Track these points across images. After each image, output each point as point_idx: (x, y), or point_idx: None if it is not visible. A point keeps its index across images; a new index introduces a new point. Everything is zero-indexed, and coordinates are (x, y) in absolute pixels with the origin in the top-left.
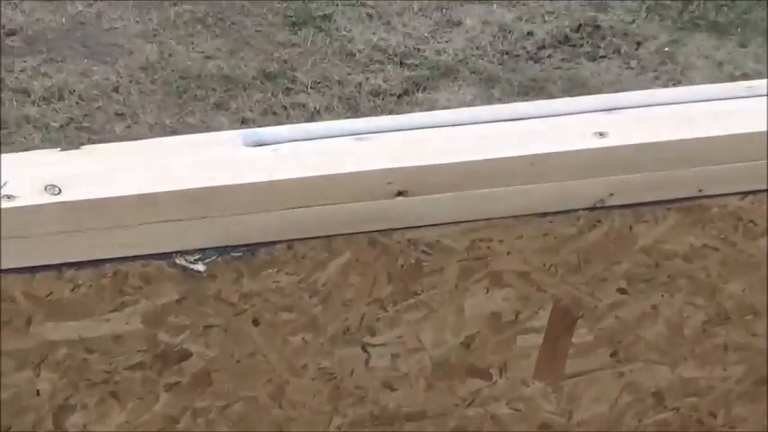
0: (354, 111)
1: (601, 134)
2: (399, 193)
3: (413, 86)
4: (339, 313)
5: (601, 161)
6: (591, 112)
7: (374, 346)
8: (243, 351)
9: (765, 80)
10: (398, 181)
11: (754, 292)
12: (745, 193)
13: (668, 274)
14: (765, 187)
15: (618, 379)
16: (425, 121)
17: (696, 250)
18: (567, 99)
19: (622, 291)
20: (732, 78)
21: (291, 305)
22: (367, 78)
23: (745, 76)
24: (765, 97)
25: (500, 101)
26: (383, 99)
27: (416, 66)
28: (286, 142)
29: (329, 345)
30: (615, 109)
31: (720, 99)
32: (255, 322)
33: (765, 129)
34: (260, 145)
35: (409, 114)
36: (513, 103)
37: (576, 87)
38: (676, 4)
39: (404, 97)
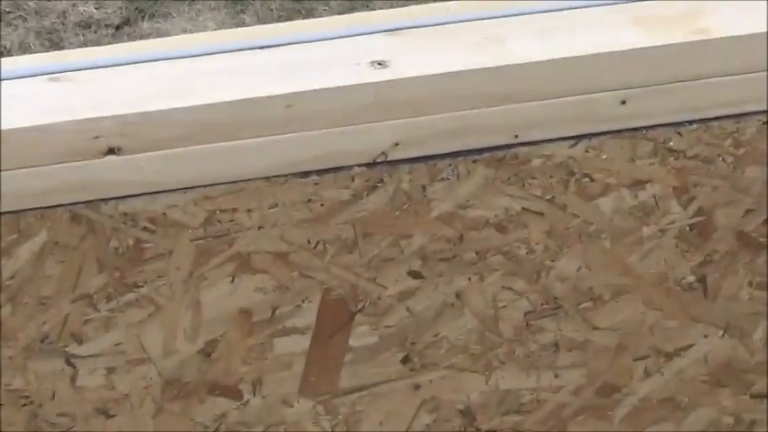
0: (58, 48)
1: (380, 63)
2: (110, 151)
3: (135, 14)
4: (33, 315)
5: (380, 100)
6: (367, 33)
7: (82, 357)
8: None
9: None
10: (108, 134)
11: (592, 272)
12: (576, 138)
13: (476, 249)
14: (604, 129)
15: (413, 393)
16: (143, 53)
17: (513, 217)
18: (335, 17)
19: (415, 274)
20: None
21: None
22: (74, 5)
23: None
24: (608, 7)
25: None
26: (96, 32)
27: None
28: None
29: (21, 358)
30: (400, 29)
31: (548, 11)
32: None
33: (604, 51)
34: None
35: (119, 45)
36: (261, 26)
37: (359, 9)
38: None
39: (123, 28)
